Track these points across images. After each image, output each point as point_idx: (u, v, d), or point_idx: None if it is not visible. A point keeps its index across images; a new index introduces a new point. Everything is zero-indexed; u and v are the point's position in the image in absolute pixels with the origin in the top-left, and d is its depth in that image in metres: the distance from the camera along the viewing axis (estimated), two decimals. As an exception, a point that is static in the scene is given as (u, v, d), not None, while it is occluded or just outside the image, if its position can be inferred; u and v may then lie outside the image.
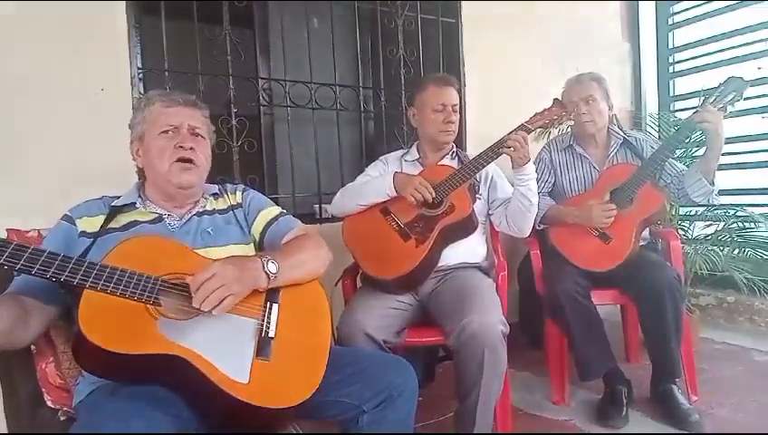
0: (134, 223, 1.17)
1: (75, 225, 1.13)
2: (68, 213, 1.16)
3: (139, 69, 1.87)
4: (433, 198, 1.64)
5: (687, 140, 1.84)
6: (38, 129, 1.69)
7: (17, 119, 1.66)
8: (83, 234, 1.12)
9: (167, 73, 1.98)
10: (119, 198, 1.21)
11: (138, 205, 1.20)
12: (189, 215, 1.23)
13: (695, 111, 1.84)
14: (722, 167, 2.83)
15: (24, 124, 1.67)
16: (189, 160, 1.19)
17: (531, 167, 1.67)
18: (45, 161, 1.69)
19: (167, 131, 1.19)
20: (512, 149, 1.62)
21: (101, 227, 1.14)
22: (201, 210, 1.26)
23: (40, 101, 1.69)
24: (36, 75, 1.68)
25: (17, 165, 1.66)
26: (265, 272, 1.06)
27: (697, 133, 2.01)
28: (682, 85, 3.27)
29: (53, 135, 1.70)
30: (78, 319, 0.89)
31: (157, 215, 1.20)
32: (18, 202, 1.61)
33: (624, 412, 1.79)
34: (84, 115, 1.74)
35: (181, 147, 1.18)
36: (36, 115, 1.68)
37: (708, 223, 2.57)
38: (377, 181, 1.73)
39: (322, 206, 2.33)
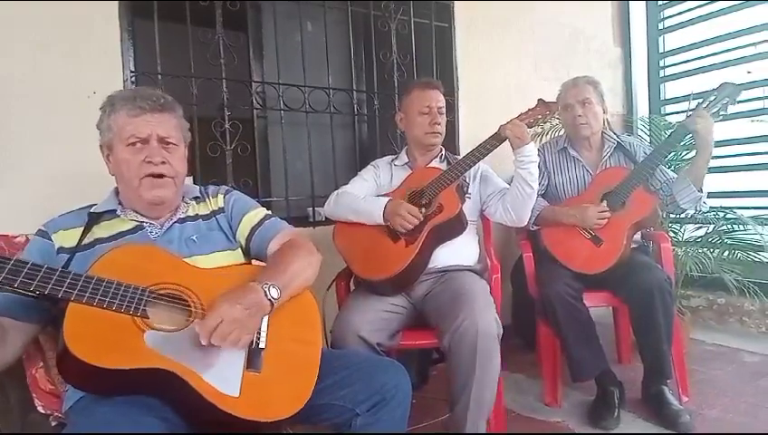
0: (119, 235, 1.13)
1: (51, 240, 1.09)
2: (42, 227, 1.12)
3: (131, 72, 1.87)
4: (421, 198, 1.67)
5: (680, 144, 1.86)
6: (30, 131, 1.68)
7: (8, 120, 1.65)
8: (62, 250, 1.08)
9: (159, 77, 1.97)
10: (95, 205, 1.17)
11: (118, 212, 1.16)
12: (170, 222, 1.18)
13: (687, 115, 1.86)
14: (712, 170, 2.86)
15: (16, 126, 1.66)
16: (160, 175, 1.12)
17: (531, 148, 1.68)
18: (37, 163, 1.68)
19: (134, 144, 1.11)
20: (508, 130, 1.65)
21: (80, 238, 1.09)
22: (183, 216, 1.21)
23: (32, 102, 1.68)
24: (28, 77, 1.67)
25: (8, 167, 1.65)
26: (269, 299, 1.03)
27: (688, 137, 2.04)
28: (672, 89, 3.30)
29: (45, 137, 1.69)
30: (62, 333, 0.87)
31: (137, 223, 1.16)
32: (8, 204, 1.60)
33: (616, 413, 1.81)
34: (76, 118, 1.73)
35: (150, 162, 1.11)
36: (28, 117, 1.67)
37: (698, 225, 2.60)
38: (371, 205, 1.71)
39: (316, 209, 2.33)
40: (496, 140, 1.70)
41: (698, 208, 1.95)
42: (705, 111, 1.80)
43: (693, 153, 1.98)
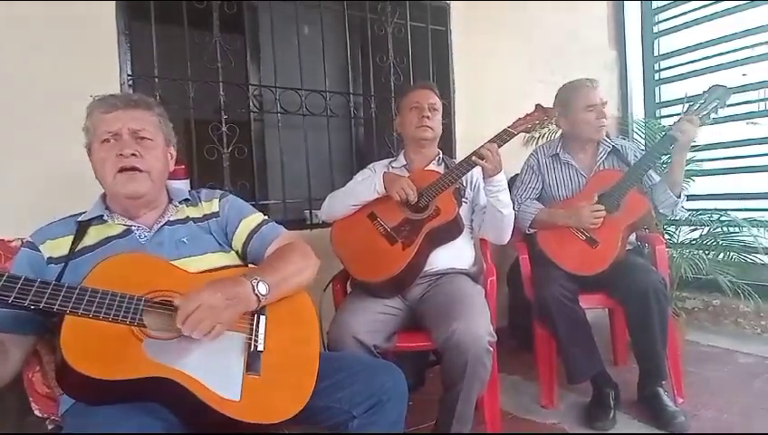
0: (106, 240, 1.12)
1: (39, 251, 1.08)
2: (30, 239, 1.10)
3: (128, 75, 1.87)
4: (418, 202, 1.67)
5: (670, 147, 1.88)
6: (25, 133, 1.68)
7: (3, 122, 1.64)
8: (51, 260, 1.07)
9: (156, 80, 1.98)
10: (84, 213, 1.16)
11: (105, 217, 1.15)
12: (159, 225, 1.17)
13: (678, 118, 1.88)
14: (706, 172, 2.91)
15: (11, 128, 1.65)
16: (133, 168, 1.10)
17: (500, 177, 1.68)
18: (32, 167, 1.68)
19: (107, 140, 1.10)
20: (484, 160, 1.63)
21: (71, 247, 1.08)
22: (173, 219, 1.19)
23: (28, 104, 1.67)
24: (24, 80, 1.67)
25: (3, 170, 1.65)
26: (256, 294, 1.02)
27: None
28: (667, 92, 3.32)
29: (41, 140, 1.69)
30: (60, 347, 0.86)
31: (125, 227, 1.15)
32: (3, 208, 1.60)
33: (611, 415, 1.82)
34: (72, 121, 1.73)
35: (121, 155, 1.09)
36: (24, 119, 1.67)
37: (693, 227, 2.62)
38: (367, 181, 1.76)
39: (313, 212, 2.33)
40: (470, 164, 1.68)
41: (674, 214, 1.98)
42: (695, 117, 1.82)
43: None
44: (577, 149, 2.11)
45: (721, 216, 2.54)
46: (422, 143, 1.87)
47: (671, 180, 1.90)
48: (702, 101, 1.84)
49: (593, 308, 1.95)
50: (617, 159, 2.08)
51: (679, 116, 1.90)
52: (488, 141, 1.69)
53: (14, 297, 0.86)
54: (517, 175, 2.24)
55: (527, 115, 1.76)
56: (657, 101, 3.35)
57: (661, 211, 1.95)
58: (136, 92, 1.19)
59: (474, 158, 1.66)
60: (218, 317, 0.95)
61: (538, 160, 2.15)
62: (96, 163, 1.13)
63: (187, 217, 1.22)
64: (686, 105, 1.90)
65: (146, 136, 1.14)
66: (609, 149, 2.09)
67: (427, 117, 1.82)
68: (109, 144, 1.11)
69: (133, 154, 1.10)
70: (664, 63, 3.33)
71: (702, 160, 2.90)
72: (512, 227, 1.79)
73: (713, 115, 1.83)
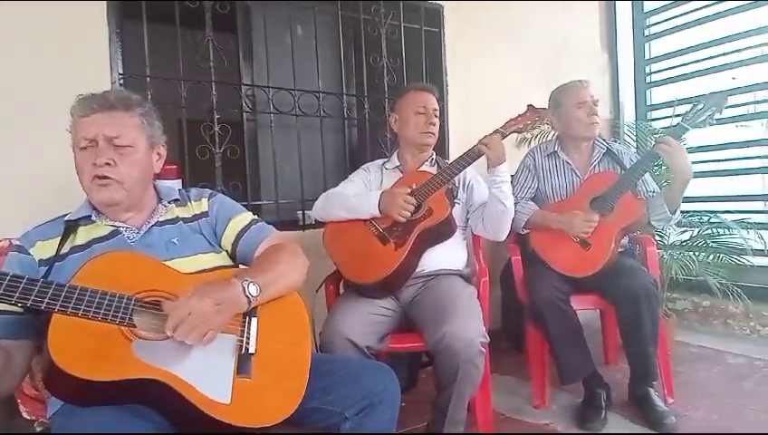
0: (94, 241, 1.11)
1: (30, 254, 1.06)
2: (18, 242, 1.09)
3: (120, 74, 1.86)
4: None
5: (651, 166, 1.88)
6: (16, 133, 1.66)
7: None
8: (42, 262, 1.06)
9: (148, 79, 1.96)
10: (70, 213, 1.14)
11: (93, 217, 1.13)
12: (148, 225, 1.15)
13: (671, 123, 1.89)
14: (696, 174, 2.93)
15: (2, 129, 1.64)
16: (105, 177, 1.07)
17: (504, 168, 1.70)
18: (22, 168, 1.66)
19: (84, 147, 1.08)
20: (486, 147, 1.66)
21: (59, 247, 1.07)
22: (162, 219, 1.18)
23: (18, 104, 1.66)
24: (13, 80, 1.65)
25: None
26: (246, 296, 1.01)
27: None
28: (658, 95, 3.35)
29: (32, 139, 1.67)
30: (47, 346, 0.85)
31: (113, 228, 1.13)
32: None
33: (603, 415, 1.83)
34: (62, 121, 1.71)
35: (94, 164, 1.07)
36: (14, 118, 1.65)
37: (684, 229, 2.64)
38: (362, 199, 1.73)
39: (305, 212, 2.33)
40: (475, 154, 1.70)
41: (664, 228, 2.00)
42: (673, 139, 1.82)
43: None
44: (572, 149, 2.12)
45: (711, 218, 2.57)
46: (423, 148, 1.88)
47: (668, 197, 1.90)
48: (700, 108, 1.85)
49: (585, 309, 1.96)
50: (612, 162, 2.09)
51: (670, 118, 1.91)
52: (488, 135, 1.70)
53: (1, 294, 0.85)
54: (512, 176, 2.24)
55: (519, 116, 1.77)
56: (648, 103, 3.38)
57: (653, 222, 1.96)
58: (122, 90, 1.14)
59: (478, 145, 1.67)
60: (210, 323, 0.94)
61: (534, 160, 2.16)
62: (76, 168, 1.11)
63: (177, 217, 1.21)
64: (681, 111, 1.90)
65: (122, 143, 1.10)
66: (603, 151, 2.10)
67: (433, 123, 1.82)
68: (86, 151, 1.09)
69: (107, 163, 1.08)
70: (655, 66, 3.36)
71: (692, 163, 2.92)
72: (511, 222, 1.79)
73: (710, 123, 1.85)
